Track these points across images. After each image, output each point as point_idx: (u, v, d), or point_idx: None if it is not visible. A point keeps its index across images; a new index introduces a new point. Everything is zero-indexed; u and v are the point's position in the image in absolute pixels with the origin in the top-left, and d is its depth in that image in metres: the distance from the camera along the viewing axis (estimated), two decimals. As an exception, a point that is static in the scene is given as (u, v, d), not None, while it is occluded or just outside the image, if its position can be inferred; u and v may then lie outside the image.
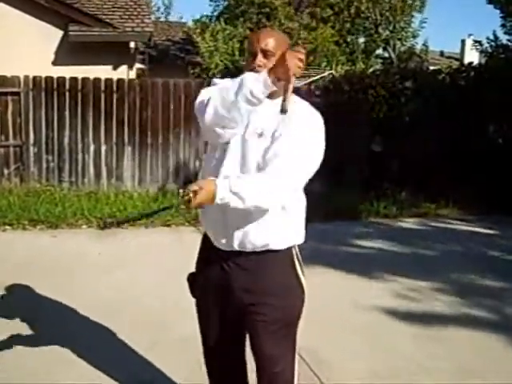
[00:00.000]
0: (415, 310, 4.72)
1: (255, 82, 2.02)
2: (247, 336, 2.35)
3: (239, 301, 2.23)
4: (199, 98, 2.22)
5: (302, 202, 2.29)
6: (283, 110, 1.99)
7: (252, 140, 2.15)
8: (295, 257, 2.29)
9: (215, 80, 2.32)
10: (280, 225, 2.20)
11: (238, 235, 2.18)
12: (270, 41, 2.18)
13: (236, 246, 2.20)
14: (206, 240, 2.37)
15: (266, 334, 2.23)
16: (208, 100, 2.13)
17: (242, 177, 2.10)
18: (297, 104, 2.19)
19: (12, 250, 6.12)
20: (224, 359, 2.43)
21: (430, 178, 8.86)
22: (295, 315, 2.29)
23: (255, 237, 2.18)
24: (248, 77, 2.07)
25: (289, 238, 2.25)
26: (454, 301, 4.95)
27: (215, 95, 2.11)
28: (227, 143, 2.17)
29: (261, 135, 2.15)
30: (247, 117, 2.09)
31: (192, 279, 2.41)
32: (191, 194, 1.94)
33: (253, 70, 2.14)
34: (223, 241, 2.23)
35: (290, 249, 2.27)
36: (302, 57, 1.98)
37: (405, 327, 4.34)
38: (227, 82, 2.23)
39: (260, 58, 2.16)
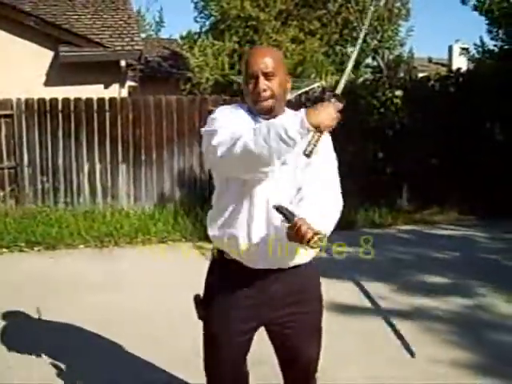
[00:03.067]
0: (407, 313, 4.76)
1: (291, 120, 1.89)
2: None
3: (278, 313, 2.27)
4: (215, 140, 2.04)
5: None
6: (308, 155, 1.92)
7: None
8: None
9: (217, 114, 2.18)
10: None
11: (284, 253, 2.16)
12: (269, 61, 2.13)
13: (275, 263, 2.20)
14: (225, 261, 2.27)
15: (306, 340, 2.33)
16: (237, 138, 1.97)
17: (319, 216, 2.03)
18: None
19: (10, 273, 6.11)
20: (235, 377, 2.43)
21: (424, 184, 8.94)
22: (322, 318, 2.41)
23: (297, 255, 2.19)
24: (283, 116, 2.07)
25: None
26: (452, 304, 5.00)
27: (244, 133, 1.96)
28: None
29: (283, 163, 2.07)
30: (280, 157, 1.95)
31: (199, 301, 2.36)
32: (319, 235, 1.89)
33: (258, 95, 2.12)
34: (262, 260, 2.18)
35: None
36: (339, 108, 1.94)
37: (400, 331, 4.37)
38: (226, 110, 2.20)
39: (263, 82, 2.12)
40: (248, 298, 2.23)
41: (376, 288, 5.45)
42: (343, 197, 2.25)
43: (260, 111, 2.15)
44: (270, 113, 2.14)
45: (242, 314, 2.25)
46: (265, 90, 2.11)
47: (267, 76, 2.12)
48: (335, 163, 2.29)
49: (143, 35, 15.89)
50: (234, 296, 2.25)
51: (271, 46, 2.31)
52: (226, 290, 2.27)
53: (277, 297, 2.23)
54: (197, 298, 2.37)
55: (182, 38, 18.92)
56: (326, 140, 2.22)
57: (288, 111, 2.23)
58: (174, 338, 4.22)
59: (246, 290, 2.23)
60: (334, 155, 2.30)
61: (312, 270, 2.34)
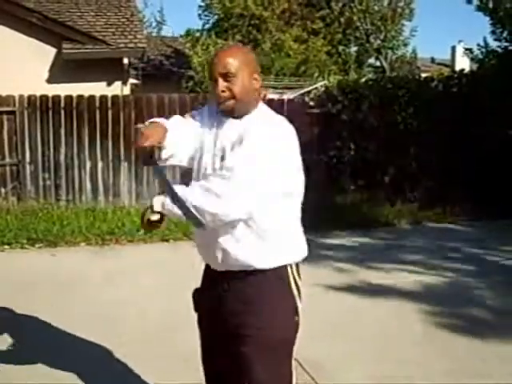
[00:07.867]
0: (410, 313, 4.75)
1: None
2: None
3: (228, 323, 2.16)
4: None
5: (293, 218, 2.19)
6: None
7: (216, 163, 2.12)
8: (291, 276, 2.16)
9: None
10: (263, 243, 2.10)
11: (219, 254, 2.13)
12: (230, 61, 2.07)
13: (221, 265, 2.15)
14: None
15: (255, 358, 2.10)
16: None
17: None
18: (258, 121, 2.11)
19: (11, 270, 6.11)
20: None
21: (426, 184, 8.93)
22: (286, 338, 2.16)
23: (235, 255, 2.10)
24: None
25: (278, 256, 2.13)
26: (454, 304, 4.99)
27: None
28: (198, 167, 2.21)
29: (223, 158, 2.10)
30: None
31: (195, 295, 2.36)
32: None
33: (218, 96, 2.09)
34: (211, 260, 2.21)
35: (283, 268, 2.14)
36: None
37: (402, 332, 4.36)
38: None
39: (222, 84, 2.07)
40: (209, 301, 2.25)
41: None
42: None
43: (222, 112, 2.15)
44: (231, 114, 2.13)
45: (206, 319, 2.29)
46: (223, 91, 2.08)
47: (226, 77, 2.07)
48: (254, 160, 2.02)
49: (144, 32, 15.88)
50: (204, 298, 2.29)
51: (240, 46, 2.21)
52: (203, 289, 2.33)
53: (226, 304, 2.16)
54: (194, 293, 2.37)
55: (181, 36, 18.91)
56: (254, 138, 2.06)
57: (262, 110, 2.18)
58: (174, 335, 4.21)
59: (210, 291, 2.24)
60: (256, 153, 2.03)
61: (270, 280, 2.12)
